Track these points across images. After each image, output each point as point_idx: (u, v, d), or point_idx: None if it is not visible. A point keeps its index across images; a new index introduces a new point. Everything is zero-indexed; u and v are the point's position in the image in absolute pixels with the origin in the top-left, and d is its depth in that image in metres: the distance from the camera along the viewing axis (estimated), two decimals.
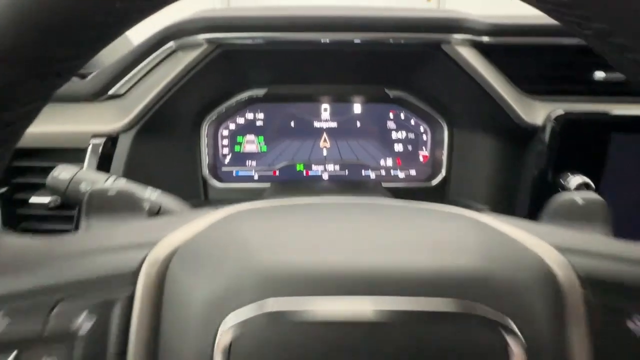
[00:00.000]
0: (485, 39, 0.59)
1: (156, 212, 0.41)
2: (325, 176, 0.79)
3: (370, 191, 0.72)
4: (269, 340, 0.17)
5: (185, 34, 0.58)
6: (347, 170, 0.79)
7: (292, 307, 0.17)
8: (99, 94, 0.62)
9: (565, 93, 0.63)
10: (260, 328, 0.17)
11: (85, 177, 0.39)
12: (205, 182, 0.75)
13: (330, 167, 0.79)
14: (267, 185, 0.76)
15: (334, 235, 0.23)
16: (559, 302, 0.21)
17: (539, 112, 0.61)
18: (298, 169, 0.79)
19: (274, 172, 0.79)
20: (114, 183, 0.40)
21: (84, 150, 0.59)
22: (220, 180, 0.76)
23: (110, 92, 0.63)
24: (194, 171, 0.74)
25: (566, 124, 0.58)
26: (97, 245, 0.23)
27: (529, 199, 0.63)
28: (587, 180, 0.57)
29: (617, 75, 0.60)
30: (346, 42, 0.60)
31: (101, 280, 0.20)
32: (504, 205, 0.69)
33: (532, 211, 0.63)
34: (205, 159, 0.74)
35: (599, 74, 0.62)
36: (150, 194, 0.42)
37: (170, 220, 0.28)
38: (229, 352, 0.16)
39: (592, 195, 0.34)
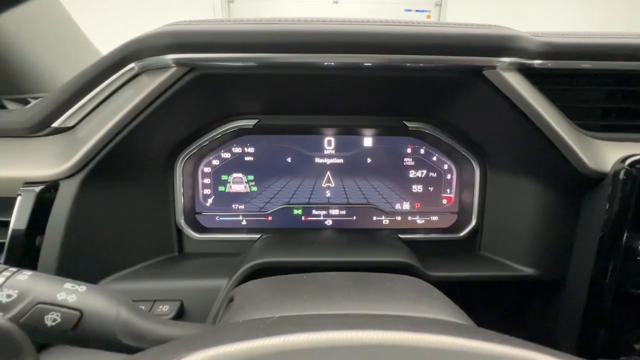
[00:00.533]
0: (537, 62, 0.46)
1: (72, 325, 0.27)
2: (329, 222, 0.65)
3: (385, 245, 0.57)
4: None
5: (150, 53, 0.44)
6: (355, 216, 0.65)
7: None
8: (40, 127, 0.49)
9: (634, 131, 0.50)
10: None
11: None
12: (180, 232, 0.61)
13: (335, 211, 0.65)
14: (256, 236, 0.61)
15: None
16: None
17: (605, 156, 0.48)
18: (295, 213, 0.65)
19: (266, 218, 0.64)
20: (5, 284, 0.26)
21: (14, 200, 0.45)
22: (199, 229, 0.62)
23: (55, 124, 0.49)
24: (166, 220, 0.59)
25: None
26: None
27: (592, 265, 0.48)
28: None
29: None
30: (356, 66, 0.46)
31: None
32: (553, 268, 0.54)
33: (597, 283, 0.48)
34: (180, 203, 0.60)
35: None
36: (66, 296, 0.27)
37: None
38: None
39: None
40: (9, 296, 0.25)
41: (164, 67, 0.45)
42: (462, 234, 0.62)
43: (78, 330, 0.27)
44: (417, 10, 5.06)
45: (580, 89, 0.50)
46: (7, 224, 0.45)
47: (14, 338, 0.20)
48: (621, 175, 0.45)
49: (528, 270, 0.56)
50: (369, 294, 0.34)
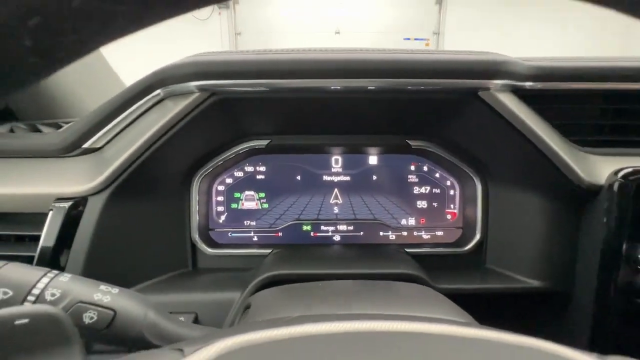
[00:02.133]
0: (528, 84, 0.50)
1: (107, 324, 0.29)
2: (337, 238, 0.67)
3: (392, 259, 0.59)
4: None
5: (175, 81, 0.49)
6: (362, 232, 0.67)
7: None
8: (72, 148, 0.53)
9: (626, 145, 0.53)
10: None
11: (7, 278, 0.28)
12: (194, 247, 0.63)
13: (343, 227, 0.67)
14: (267, 251, 0.63)
15: None
16: None
17: (599, 169, 0.50)
18: (304, 229, 0.67)
19: (277, 234, 0.67)
20: (50, 284, 0.28)
21: (46, 216, 0.48)
22: (212, 245, 0.64)
23: (85, 145, 0.53)
24: (181, 235, 0.62)
25: (639, 184, 0.46)
26: None
27: (596, 276, 0.50)
28: None
29: None
30: (361, 89, 0.51)
31: None
32: (560, 280, 0.55)
33: (601, 292, 0.49)
34: (195, 220, 0.63)
35: None
36: (102, 297, 0.30)
37: None
38: None
39: None
40: (53, 295, 0.28)
41: (187, 93, 0.50)
42: (467, 247, 0.63)
43: (111, 328, 0.29)
44: (415, 39, 5.28)
45: (572, 108, 0.53)
46: (37, 238, 0.48)
47: (65, 325, 0.22)
48: (615, 187, 0.47)
49: (534, 283, 0.57)
50: (377, 297, 0.35)
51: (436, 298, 0.37)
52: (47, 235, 0.47)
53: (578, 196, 0.52)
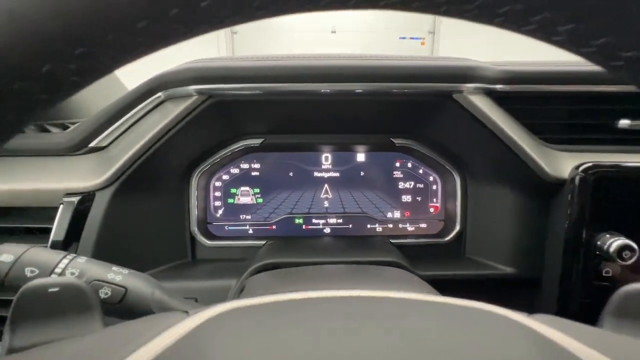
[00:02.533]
0: (499, 86, 0.55)
1: (119, 299, 0.33)
2: (327, 230, 0.72)
3: (377, 248, 0.64)
4: None
5: (175, 85, 0.53)
6: (350, 224, 0.72)
7: None
8: (79, 147, 0.57)
9: (589, 142, 0.58)
10: None
11: (33, 259, 0.32)
12: (193, 240, 0.67)
13: (333, 220, 0.72)
14: (261, 242, 0.68)
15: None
16: None
17: (563, 164, 0.55)
18: (297, 222, 0.72)
19: (271, 227, 0.71)
20: (69, 265, 0.33)
21: (56, 210, 0.53)
22: (210, 237, 0.69)
23: (92, 144, 0.57)
24: (181, 228, 0.66)
25: (598, 177, 0.51)
26: None
27: (560, 262, 0.54)
28: (630, 242, 0.49)
29: None
30: (348, 92, 0.55)
31: None
32: (531, 267, 0.60)
33: (565, 277, 0.54)
34: (194, 214, 0.67)
35: (624, 122, 0.57)
36: (114, 276, 0.34)
37: (123, 336, 0.21)
38: None
39: None
40: (72, 273, 0.32)
41: (186, 96, 0.54)
42: (448, 238, 0.68)
43: (123, 304, 0.34)
44: (411, 38, 5.32)
45: (540, 108, 0.58)
46: (46, 230, 0.52)
47: (88, 295, 0.27)
48: (576, 180, 0.52)
49: (508, 269, 0.62)
50: (359, 278, 0.40)
51: (411, 279, 0.42)
52: (58, 227, 0.51)
53: (545, 189, 0.57)
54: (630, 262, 0.49)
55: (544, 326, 0.23)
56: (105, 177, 0.54)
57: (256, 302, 0.25)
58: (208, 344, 0.20)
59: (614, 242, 0.49)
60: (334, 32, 5.35)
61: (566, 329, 0.23)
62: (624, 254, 0.49)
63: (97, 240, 0.53)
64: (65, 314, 0.26)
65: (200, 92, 0.54)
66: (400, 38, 5.32)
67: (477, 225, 0.66)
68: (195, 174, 0.67)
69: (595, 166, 0.52)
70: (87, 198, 0.53)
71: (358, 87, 0.55)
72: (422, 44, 5.42)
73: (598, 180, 0.51)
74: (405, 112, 0.61)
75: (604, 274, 0.52)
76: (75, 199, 0.52)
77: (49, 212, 0.53)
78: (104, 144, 0.57)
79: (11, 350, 0.23)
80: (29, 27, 0.13)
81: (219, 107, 0.57)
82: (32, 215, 0.56)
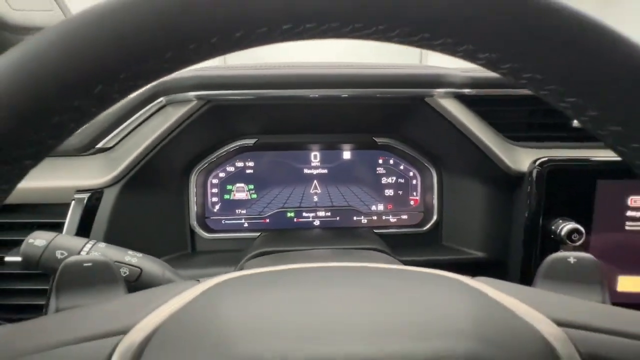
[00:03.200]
0: (467, 91, 0.61)
1: (135, 278, 0.39)
2: (317, 222, 0.78)
3: (361, 237, 0.70)
4: None
5: (176, 91, 0.59)
6: (338, 217, 0.78)
7: None
8: (87, 147, 0.62)
9: (548, 140, 0.65)
10: None
11: (62, 244, 0.37)
12: (192, 233, 0.73)
13: (322, 213, 0.78)
14: (256, 234, 0.74)
15: (316, 317, 0.22)
16: None
17: (524, 159, 0.62)
18: (289, 215, 0.78)
19: (264, 220, 0.77)
20: (92, 248, 0.38)
21: (68, 206, 0.58)
22: (208, 230, 0.74)
23: (99, 145, 0.62)
24: (182, 222, 0.72)
25: (551, 170, 0.59)
26: (64, 334, 0.22)
27: (522, 247, 0.62)
28: (578, 226, 0.57)
29: None
30: (334, 97, 0.62)
31: None
32: (498, 251, 0.68)
33: (526, 259, 0.62)
34: (193, 209, 0.73)
35: (576, 122, 0.64)
36: (130, 258, 0.40)
37: (145, 298, 0.27)
38: None
39: (585, 255, 0.34)
40: None
41: (186, 101, 0.60)
42: (426, 227, 0.75)
43: (139, 282, 0.39)
44: None
45: (505, 109, 0.65)
46: (57, 225, 0.57)
47: (114, 270, 0.32)
48: (533, 174, 0.59)
49: (478, 254, 0.69)
50: (343, 259, 0.46)
51: (387, 258, 0.49)
52: (71, 221, 0.57)
53: (509, 182, 0.64)
54: (579, 243, 0.57)
55: (483, 284, 0.30)
56: (113, 175, 0.59)
57: (255, 272, 0.31)
58: (217, 302, 0.26)
59: (565, 227, 0.56)
60: None
61: (499, 286, 0.29)
62: (573, 236, 0.56)
63: (106, 233, 0.58)
64: (96, 285, 0.31)
65: (199, 98, 0.59)
66: None
67: (452, 215, 0.74)
68: (194, 172, 0.72)
69: (549, 160, 0.59)
70: (96, 195, 0.59)
71: (342, 92, 0.61)
72: None
73: (551, 173, 0.58)
74: (385, 115, 0.68)
75: None
76: (86, 196, 0.58)
77: (59, 209, 0.58)
78: (110, 145, 0.63)
79: (57, 310, 0.29)
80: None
81: (216, 110, 0.62)
82: (42, 211, 0.60)
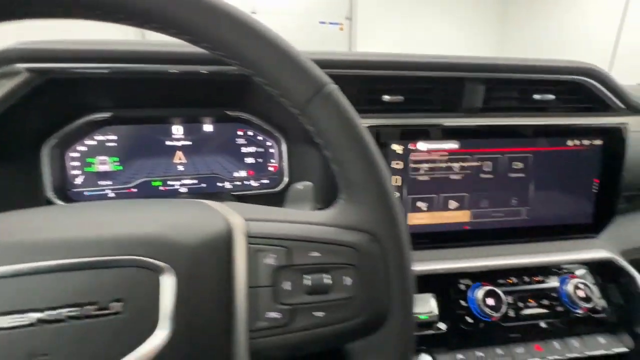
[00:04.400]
0: None
1: None
2: (184, 190, 0.86)
3: (219, 199, 0.80)
4: None
5: (3, 63, 0.61)
6: (204, 184, 0.87)
7: None
8: None
9: (368, 112, 0.80)
10: None
11: None
12: (50, 204, 0.76)
13: (187, 181, 0.86)
14: None
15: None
16: (229, 250, 0.33)
17: None
18: (154, 184, 0.84)
19: (130, 190, 0.83)
20: None
21: None
22: (70, 202, 0.78)
23: None
24: (36, 195, 0.74)
25: None
26: None
27: None
28: None
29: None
30: (192, 72, 0.69)
31: None
32: (329, 203, 0.83)
33: None
34: (48, 182, 0.75)
35: (386, 97, 0.80)
36: None
37: None
38: None
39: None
40: None
41: (16, 73, 0.62)
42: (278, 188, 0.88)
43: None
44: (330, 23, 5.54)
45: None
46: None
47: None
48: None
49: (317, 206, 0.83)
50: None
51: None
52: None
53: None
54: None
55: (224, 205, 0.41)
56: None
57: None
58: None
59: None
60: (254, 12, 5.29)
61: (236, 206, 0.40)
62: None
63: None
64: None
65: (31, 70, 0.62)
66: (320, 22, 5.51)
67: (299, 177, 0.87)
68: (46, 146, 0.74)
69: None
70: None
71: (200, 69, 0.69)
72: (341, 29, 5.69)
73: None
74: (229, 89, 0.77)
75: None
76: None
77: None
78: None
79: None
80: None
81: (56, 83, 0.65)
82: None
